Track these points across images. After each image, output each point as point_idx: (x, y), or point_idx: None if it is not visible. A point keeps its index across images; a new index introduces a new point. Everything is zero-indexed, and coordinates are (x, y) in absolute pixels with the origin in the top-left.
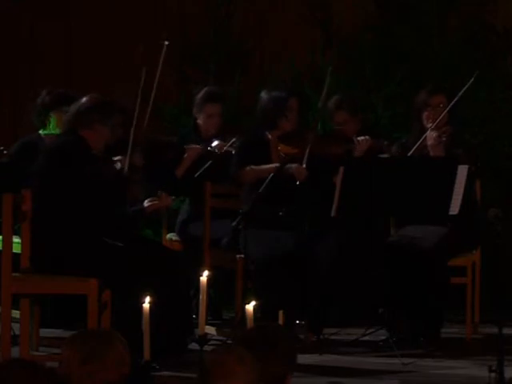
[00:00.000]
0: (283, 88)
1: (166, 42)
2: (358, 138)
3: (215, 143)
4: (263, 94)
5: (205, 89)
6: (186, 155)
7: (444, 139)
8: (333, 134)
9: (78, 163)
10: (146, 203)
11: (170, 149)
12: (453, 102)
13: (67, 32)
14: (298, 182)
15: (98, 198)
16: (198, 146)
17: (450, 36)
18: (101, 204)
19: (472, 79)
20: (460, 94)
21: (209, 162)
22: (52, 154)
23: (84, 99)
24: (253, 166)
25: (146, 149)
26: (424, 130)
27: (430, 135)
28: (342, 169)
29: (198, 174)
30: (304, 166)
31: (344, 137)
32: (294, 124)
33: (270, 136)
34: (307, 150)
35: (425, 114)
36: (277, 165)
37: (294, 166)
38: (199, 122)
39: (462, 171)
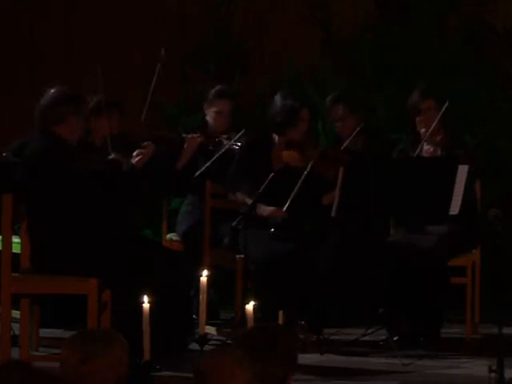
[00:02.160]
0: (296, 95)
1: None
2: None
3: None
4: (277, 98)
5: (217, 86)
6: (185, 146)
7: (439, 152)
8: (333, 156)
9: (64, 163)
10: (133, 160)
11: (169, 143)
12: (443, 109)
13: (67, 32)
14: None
15: (94, 194)
16: (197, 136)
17: (450, 36)
18: (96, 198)
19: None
20: (445, 106)
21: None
22: (37, 157)
23: (50, 93)
24: (242, 196)
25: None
26: (418, 135)
27: (427, 149)
28: (342, 169)
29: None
30: (285, 208)
31: (341, 157)
32: (302, 134)
33: (276, 139)
34: (307, 168)
35: (417, 120)
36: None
37: (271, 208)
38: (208, 118)
39: (462, 171)
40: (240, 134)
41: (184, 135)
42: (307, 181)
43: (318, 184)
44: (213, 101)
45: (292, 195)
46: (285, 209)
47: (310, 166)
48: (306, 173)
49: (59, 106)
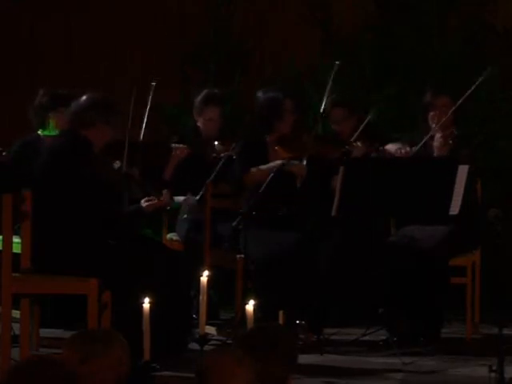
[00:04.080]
0: (279, 88)
1: (153, 83)
2: (356, 143)
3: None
4: (259, 95)
5: (203, 92)
6: (172, 155)
7: (450, 142)
8: (330, 137)
9: (78, 165)
10: (143, 203)
11: (155, 151)
12: (458, 103)
13: (67, 32)
14: (298, 183)
15: (98, 199)
16: (184, 146)
17: (450, 36)
18: (100, 205)
19: (480, 78)
20: (465, 95)
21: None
22: (52, 155)
23: (85, 97)
24: (254, 169)
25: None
26: (429, 130)
27: (436, 137)
28: (342, 168)
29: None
30: (304, 163)
31: (340, 139)
32: (290, 125)
33: (268, 138)
34: (305, 156)
35: (430, 115)
36: (279, 162)
37: (295, 163)
38: (199, 124)
39: (462, 171)
40: (232, 147)
41: (172, 145)
42: (311, 166)
43: (323, 167)
44: (202, 108)
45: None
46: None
47: (311, 152)
48: (307, 158)
49: (89, 111)
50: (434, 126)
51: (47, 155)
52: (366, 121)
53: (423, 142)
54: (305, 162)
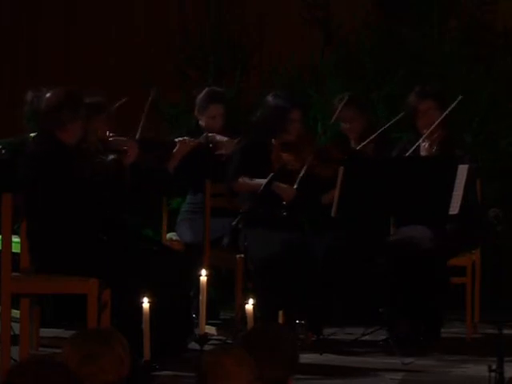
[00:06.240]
0: (288, 96)
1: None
2: None
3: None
4: (269, 99)
5: (206, 89)
6: (176, 149)
7: (434, 149)
8: (332, 153)
9: (63, 166)
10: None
11: (158, 147)
12: (446, 112)
13: (67, 32)
14: (284, 203)
15: (92, 198)
16: (189, 139)
17: (450, 36)
18: (94, 200)
19: (452, 105)
20: (451, 108)
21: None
22: (35, 161)
23: (51, 95)
24: (245, 179)
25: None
26: (420, 135)
27: (423, 145)
28: (342, 168)
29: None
30: (295, 186)
31: (340, 157)
32: (295, 135)
33: (273, 141)
34: (303, 171)
35: (418, 122)
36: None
37: (284, 186)
38: (201, 123)
39: (462, 171)
40: (237, 140)
41: (176, 139)
42: (305, 182)
43: (316, 184)
44: (205, 106)
45: (300, 175)
46: (295, 187)
47: (305, 168)
48: (301, 175)
49: (59, 112)
50: (424, 131)
51: (31, 160)
52: (377, 132)
53: (413, 148)
54: (296, 186)
